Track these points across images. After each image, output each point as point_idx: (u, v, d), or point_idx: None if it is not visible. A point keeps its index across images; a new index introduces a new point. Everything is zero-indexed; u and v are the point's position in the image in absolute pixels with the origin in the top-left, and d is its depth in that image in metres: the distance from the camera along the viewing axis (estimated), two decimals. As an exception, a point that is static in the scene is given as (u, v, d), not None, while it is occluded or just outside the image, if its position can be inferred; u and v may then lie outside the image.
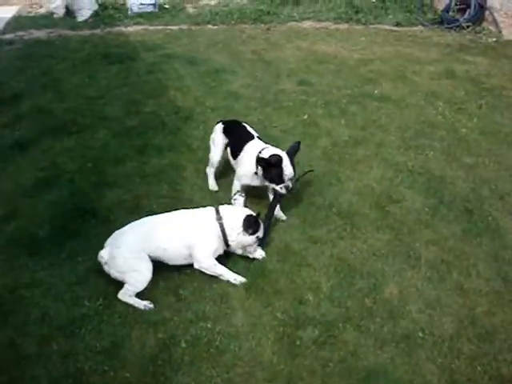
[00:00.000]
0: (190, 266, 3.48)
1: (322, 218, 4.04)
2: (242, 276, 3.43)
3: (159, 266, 3.40)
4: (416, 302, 3.31)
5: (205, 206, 3.68)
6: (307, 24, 10.18)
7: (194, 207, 3.71)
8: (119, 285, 3.32)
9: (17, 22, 10.14)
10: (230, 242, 3.54)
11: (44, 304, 3.25)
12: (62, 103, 6.07)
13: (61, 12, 10.56)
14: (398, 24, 10.27)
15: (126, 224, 3.56)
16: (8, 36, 9.14)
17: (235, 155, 4.22)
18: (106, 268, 3.37)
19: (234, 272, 3.45)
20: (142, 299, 3.25)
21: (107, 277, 3.40)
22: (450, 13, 10.37)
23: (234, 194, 3.96)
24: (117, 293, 3.29)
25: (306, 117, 5.68)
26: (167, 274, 3.44)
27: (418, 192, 4.42)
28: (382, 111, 5.96)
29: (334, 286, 3.40)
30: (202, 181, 4.50)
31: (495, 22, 9.83)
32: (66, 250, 3.68)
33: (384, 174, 4.66)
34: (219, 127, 4.42)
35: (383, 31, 9.78)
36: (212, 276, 3.42)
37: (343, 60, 7.81)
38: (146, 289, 3.30)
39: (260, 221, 3.65)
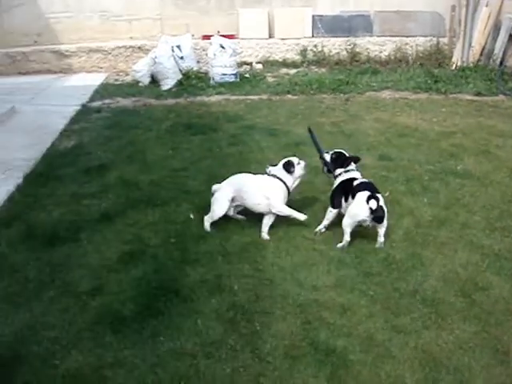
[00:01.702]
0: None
1: (406, 305, 3.93)
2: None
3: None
4: (505, 401, 3.16)
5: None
6: (386, 94, 10.24)
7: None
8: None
9: (104, 90, 10.67)
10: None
11: (127, 386, 3.28)
12: (147, 175, 6.25)
13: (146, 81, 11.06)
14: (478, 93, 10.19)
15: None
16: (96, 104, 9.61)
17: None
18: None
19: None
20: None
21: (188, 359, 3.41)
22: (531, 82, 10.24)
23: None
24: (198, 377, 3.29)
25: (387, 194, 5.62)
26: (248, 362, 3.42)
27: (504, 279, 4.25)
28: (465, 189, 5.84)
29: (419, 380, 3.27)
30: (282, 260, 4.50)
31: None
32: (149, 329, 3.70)
33: (469, 259, 4.52)
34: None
35: (464, 101, 9.72)
36: (292, 365, 3.38)
37: (424, 133, 7.77)
38: (226, 375, 3.30)
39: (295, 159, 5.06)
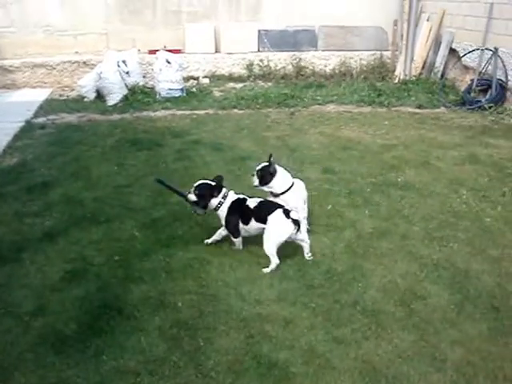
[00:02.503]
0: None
1: (347, 316, 4.02)
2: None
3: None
4: (442, 408, 3.25)
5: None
6: (330, 107, 10.42)
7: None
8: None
9: (49, 106, 10.54)
10: None
11: (69, 406, 3.26)
12: (91, 192, 6.20)
13: (91, 96, 10.98)
14: (420, 106, 10.47)
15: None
16: (40, 120, 9.47)
17: None
18: None
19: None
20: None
21: (131, 377, 3.42)
22: (472, 94, 10.54)
23: None
24: (141, 396, 3.31)
25: (329, 207, 5.74)
26: (192, 378, 3.44)
27: (443, 288, 4.39)
28: (405, 200, 6.00)
29: (359, 391, 3.36)
30: (226, 275, 4.53)
31: (517, 103, 9.97)
32: (92, 348, 3.68)
33: (409, 269, 4.65)
34: None
35: (406, 114, 9.97)
36: (235, 379, 3.42)
37: (367, 146, 7.95)
38: None
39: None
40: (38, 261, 4.81)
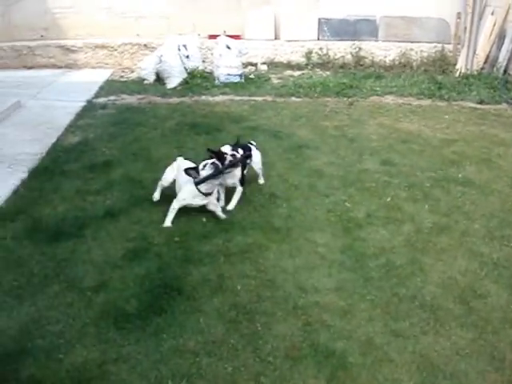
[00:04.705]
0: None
1: (405, 310, 4.00)
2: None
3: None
4: (500, 408, 3.22)
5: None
6: (389, 99, 10.27)
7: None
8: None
9: (109, 86, 10.71)
10: None
11: (130, 381, 3.31)
12: (151, 173, 6.26)
13: (151, 78, 11.12)
14: (481, 101, 10.20)
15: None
16: (101, 100, 9.64)
17: None
18: None
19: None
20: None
21: (190, 357, 3.48)
22: (534, 91, 10.27)
23: None
24: (199, 374, 3.35)
25: (389, 199, 5.69)
26: (249, 361, 3.48)
27: (503, 287, 4.31)
28: (466, 197, 5.90)
29: (416, 385, 3.35)
30: (284, 262, 4.56)
31: None
32: (152, 326, 3.77)
33: (468, 266, 4.59)
34: None
35: (466, 109, 9.75)
36: (293, 365, 3.44)
37: (426, 139, 7.83)
38: (228, 373, 3.37)
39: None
40: (100, 238, 4.92)
